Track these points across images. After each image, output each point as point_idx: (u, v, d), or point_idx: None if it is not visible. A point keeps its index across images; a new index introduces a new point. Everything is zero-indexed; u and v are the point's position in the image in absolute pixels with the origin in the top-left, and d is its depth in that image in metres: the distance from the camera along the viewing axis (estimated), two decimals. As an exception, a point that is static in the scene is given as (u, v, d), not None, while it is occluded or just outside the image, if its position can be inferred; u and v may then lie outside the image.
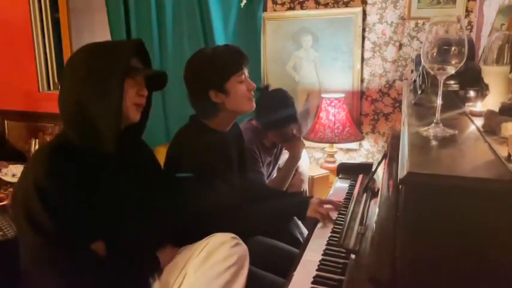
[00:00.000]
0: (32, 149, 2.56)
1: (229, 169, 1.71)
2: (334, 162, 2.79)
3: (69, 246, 1.16)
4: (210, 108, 1.64)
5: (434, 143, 0.93)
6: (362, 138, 2.85)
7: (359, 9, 2.76)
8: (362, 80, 2.87)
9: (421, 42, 2.66)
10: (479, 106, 1.19)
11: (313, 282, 1.23)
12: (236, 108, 1.66)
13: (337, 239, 1.35)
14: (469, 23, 2.56)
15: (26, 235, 1.16)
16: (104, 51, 1.27)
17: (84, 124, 1.23)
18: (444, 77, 0.97)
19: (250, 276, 1.35)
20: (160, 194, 1.44)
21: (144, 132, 1.47)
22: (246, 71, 1.66)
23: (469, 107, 1.21)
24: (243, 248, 1.34)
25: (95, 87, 1.22)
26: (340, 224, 1.55)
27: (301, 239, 1.91)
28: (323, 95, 2.78)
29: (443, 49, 0.94)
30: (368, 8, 2.77)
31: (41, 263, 1.17)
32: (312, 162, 3.04)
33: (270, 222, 1.69)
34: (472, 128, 1.03)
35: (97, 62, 1.24)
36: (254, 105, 1.70)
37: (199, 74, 1.62)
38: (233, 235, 1.37)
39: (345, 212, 1.59)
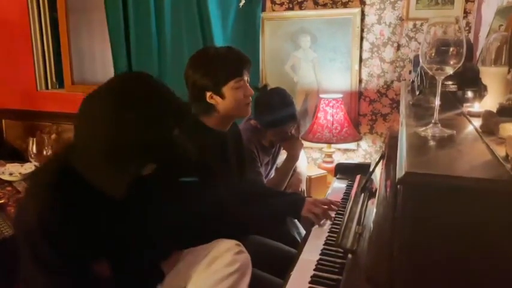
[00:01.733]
0: (30, 148, 2.54)
1: (227, 169, 1.71)
2: (332, 162, 2.79)
3: (73, 276, 1.13)
4: (205, 108, 1.65)
5: (432, 143, 0.93)
6: (360, 139, 2.85)
7: (357, 10, 2.76)
8: (360, 81, 2.87)
9: (419, 43, 2.66)
10: (477, 107, 1.19)
11: (310, 282, 1.23)
12: (230, 112, 1.66)
13: (334, 239, 1.35)
14: (467, 24, 2.57)
15: (29, 265, 1.12)
16: (132, 132, 1.08)
17: (92, 173, 1.13)
18: (442, 78, 0.97)
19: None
20: (163, 205, 1.39)
21: None
22: (246, 76, 1.66)
23: (467, 107, 1.21)
24: (245, 256, 1.34)
25: (108, 164, 1.11)
26: (338, 224, 1.55)
27: (299, 239, 1.91)
28: (321, 96, 2.78)
29: (442, 50, 0.94)
30: (366, 8, 2.77)
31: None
32: (309, 162, 3.04)
33: (266, 221, 1.69)
34: (470, 128, 1.03)
35: (119, 142, 1.08)
36: (250, 111, 1.70)
37: (198, 74, 1.62)
38: (237, 242, 1.37)
39: (342, 212, 1.59)
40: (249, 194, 1.80)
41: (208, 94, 1.61)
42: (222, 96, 1.62)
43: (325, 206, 1.69)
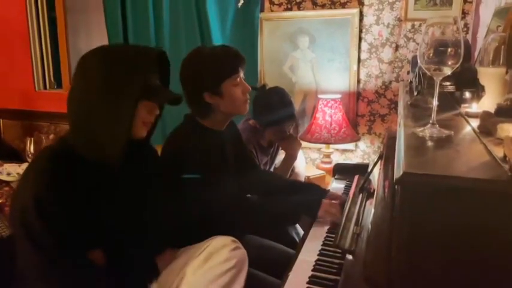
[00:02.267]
0: (28, 148, 2.54)
1: (225, 167, 1.70)
2: (330, 162, 2.79)
3: (66, 258, 1.15)
4: (205, 108, 1.64)
5: (430, 143, 0.93)
6: (358, 139, 2.85)
7: (356, 11, 2.76)
8: (358, 81, 2.87)
9: (417, 44, 2.67)
10: (475, 107, 1.19)
11: (308, 283, 1.23)
12: (230, 110, 1.66)
13: (332, 239, 1.35)
14: (465, 25, 2.57)
15: (23, 245, 1.13)
16: (120, 63, 1.21)
17: (90, 133, 1.20)
18: (440, 78, 0.97)
19: (247, 277, 1.35)
20: (160, 201, 1.43)
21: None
22: (241, 73, 1.65)
23: (465, 108, 1.21)
24: (242, 252, 1.34)
25: (106, 102, 1.19)
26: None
27: (297, 239, 1.91)
28: (319, 96, 2.78)
29: (440, 50, 0.94)
30: (365, 9, 2.77)
31: (38, 274, 1.15)
32: (308, 162, 3.05)
33: (279, 219, 1.66)
34: (468, 129, 1.04)
35: (112, 75, 1.19)
36: (248, 108, 1.70)
37: (195, 75, 1.61)
38: (233, 238, 1.37)
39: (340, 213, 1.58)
40: (268, 187, 1.81)
41: (207, 94, 1.61)
42: (221, 95, 1.61)
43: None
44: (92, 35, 3.61)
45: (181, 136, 1.66)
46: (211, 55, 1.62)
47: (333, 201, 1.66)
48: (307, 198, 1.72)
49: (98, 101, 1.19)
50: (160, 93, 1.31)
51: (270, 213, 1.64)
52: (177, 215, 1.42)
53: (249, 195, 1.90)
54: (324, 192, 1.77)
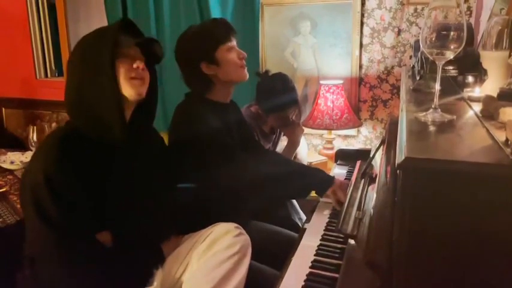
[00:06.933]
0: (30, 136, 2.55)
1: (231, 139, 1.70)
2: (332, 148, 2.79)
3: (75, 236, 1.17)
4: (205, 81, 1.66)
5: (432, 128, 0.93)
6: (360, 125, 2.85)
7: (358, -5, 2.74)
8: (360, 66, 2.86)
9: (419, 28, 2.64)
10: (477, 91, 1.18)
11: (311, 267, 1.24)
12: (229, 77, 1.66)
13: (335, 225, 1.36)
14: (468, 8, 2.55)
15: (33, 222, 1.16)
16: (91, 35, 1.29)
17: (88, 113, 1.24)
18: (443, 62, 0.97)
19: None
20: (166, 183, 1.45)
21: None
22: (234, 42, 1.68)
23: (468, 92, 1.21)
24: (245, 238, 1.36)
25: (87, 71, 1.24)
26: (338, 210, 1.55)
27: (300, 224, 1.92)
28: (321, 82, 2.77)
29: (442, 34, 0.94)
30: (367, -7, 2.75)
31: (47, 251, 1.17)
32: (310, 148, 3.05)
33: (291, 190, 1.66)
34: (471, 113, 1.03)
35: (86, 47, 1.27)
36: (247, 74, 1.70)
37: (189, 49, 1.64)
38: (236, 225, 1.38)
39: (343, 198, 1.59)
40: (275, 165, 1.81)
41: (203, 65, 1.62)
42: (217, 63, 1.63)
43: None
44: (92, 21, 3.59)
45: (186, 110, 1.66)
46: (202, 27, 1.67)
47: (343, 182, 1.66)
48: (320, 174, 1.72)
49: (81, 76, 1.25)
50: (129, 41, 1.33)
51: (282, 184, 1.64)
52: (185, 202, 1.44)
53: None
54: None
